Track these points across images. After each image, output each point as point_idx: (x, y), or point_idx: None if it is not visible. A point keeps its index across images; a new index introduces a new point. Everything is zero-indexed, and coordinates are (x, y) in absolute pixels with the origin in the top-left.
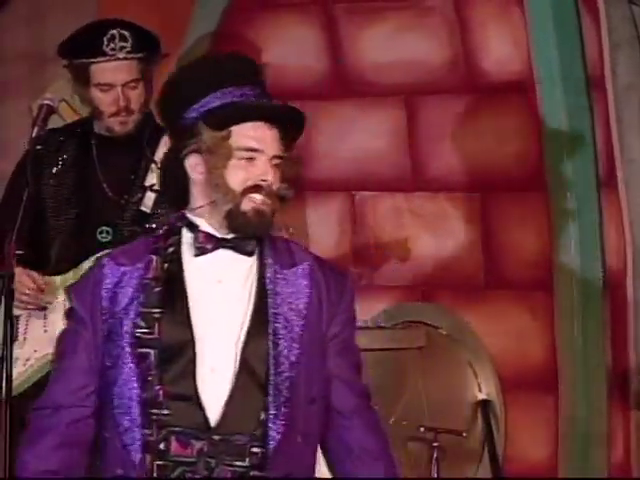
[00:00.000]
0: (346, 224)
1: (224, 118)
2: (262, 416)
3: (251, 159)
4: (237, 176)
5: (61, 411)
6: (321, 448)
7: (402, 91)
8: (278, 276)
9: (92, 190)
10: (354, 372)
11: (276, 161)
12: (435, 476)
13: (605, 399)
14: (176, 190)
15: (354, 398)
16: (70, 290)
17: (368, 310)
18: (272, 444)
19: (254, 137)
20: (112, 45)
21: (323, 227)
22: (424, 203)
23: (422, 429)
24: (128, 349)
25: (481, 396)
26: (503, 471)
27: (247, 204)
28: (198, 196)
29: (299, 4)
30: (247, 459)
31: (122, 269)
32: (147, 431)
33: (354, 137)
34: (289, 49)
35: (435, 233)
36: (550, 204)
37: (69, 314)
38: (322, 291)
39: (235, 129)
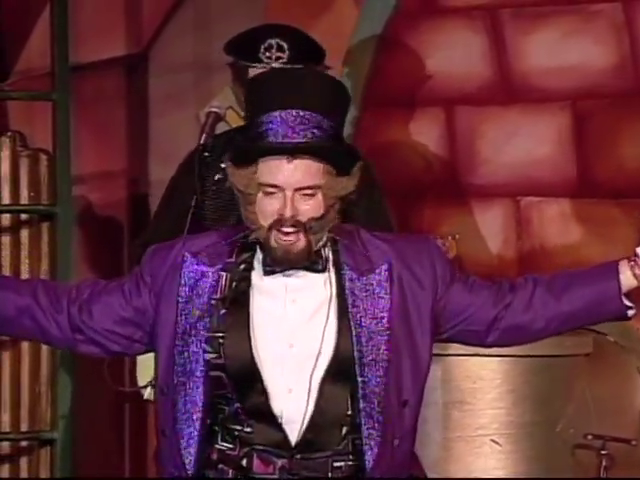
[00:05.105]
0: (510, 230)
1: (248, 154)
2: (344, 431)
3: (272, 193)
4: (264, 210)
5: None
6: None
7: (568, 96)
8: (356, 287)
9: None
10: (483, 284)
11: (307, 191)
12: None
13: None
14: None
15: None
16: (147, 254)
17: None
18: (369, 454)
19: (271, 173)
20: (268, 54)
21: (487, 232)
22: (591, 209)
23: (590, 437)
24: (199, 372)
25: None
26: None
27: (274, 241)
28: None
29: (464, 9)
30: (329, 473)
31: (201, 269)
32: (229, 445)
33: (519, 142)
34: (454, 54)
35: (603, 239)
36: None
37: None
38: (410, 281)
39: (260, 164)
